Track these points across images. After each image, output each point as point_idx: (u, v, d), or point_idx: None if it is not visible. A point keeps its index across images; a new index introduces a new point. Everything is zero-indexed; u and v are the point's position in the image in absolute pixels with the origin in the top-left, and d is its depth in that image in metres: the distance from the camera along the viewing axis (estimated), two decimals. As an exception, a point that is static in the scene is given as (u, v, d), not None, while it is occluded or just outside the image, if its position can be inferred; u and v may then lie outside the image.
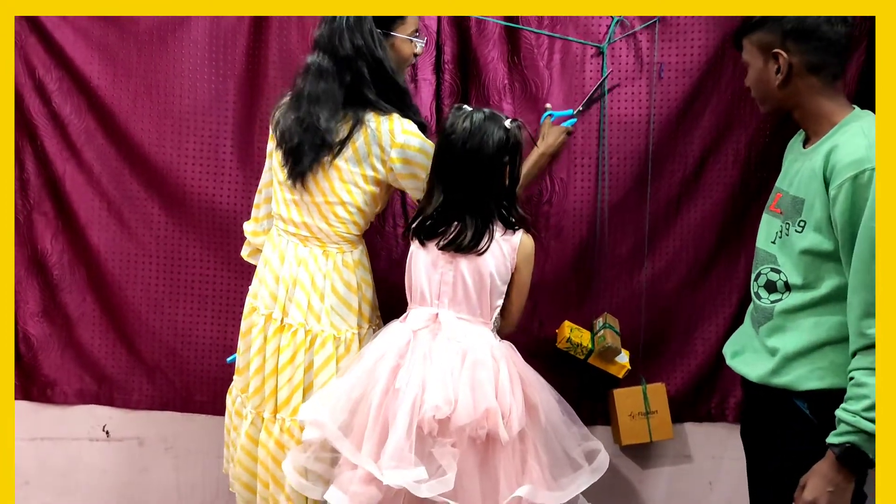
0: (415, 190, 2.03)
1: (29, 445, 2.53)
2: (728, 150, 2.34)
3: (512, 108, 2.34)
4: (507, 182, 1.91)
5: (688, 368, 2.43)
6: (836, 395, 1.60)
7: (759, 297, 1.78)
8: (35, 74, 2.39)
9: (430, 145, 2.00)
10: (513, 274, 1.95)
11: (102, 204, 2.44)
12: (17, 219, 2.45)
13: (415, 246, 1.98)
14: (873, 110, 1.70)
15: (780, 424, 1.74)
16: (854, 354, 1.57)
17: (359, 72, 1.95)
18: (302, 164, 1.98)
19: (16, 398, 2.50)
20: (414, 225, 1.95)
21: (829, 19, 1.67)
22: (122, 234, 2.44)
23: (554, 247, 2.36)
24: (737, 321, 2.35)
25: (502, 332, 2.01)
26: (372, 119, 1.98)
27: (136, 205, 2.44)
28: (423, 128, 2.05)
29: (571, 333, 2.30)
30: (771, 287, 1.75)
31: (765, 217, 1.84)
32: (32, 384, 2.51)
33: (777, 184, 1.85)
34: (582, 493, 1.93)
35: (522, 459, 1.85)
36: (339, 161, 1.98)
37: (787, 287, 1.71)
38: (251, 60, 2.37)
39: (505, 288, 1.96)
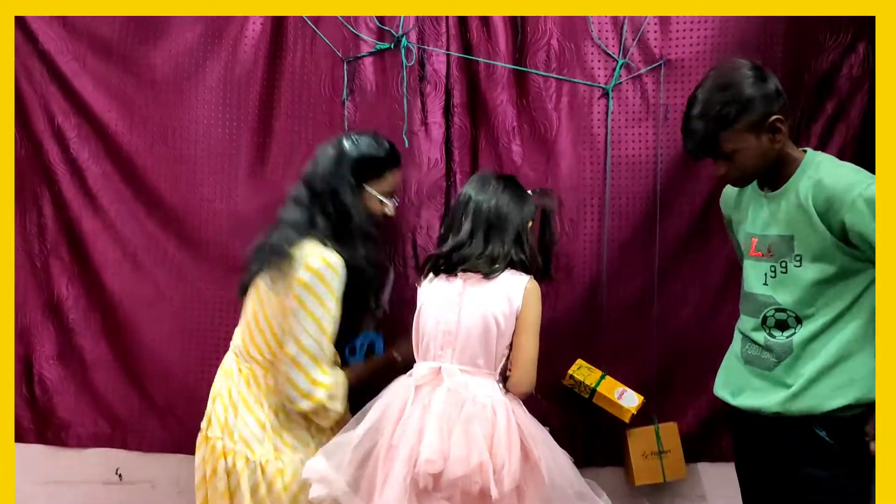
0: (296, 330, 1.93)
1: (43, 489, 2.53)
2: (735, 189, 2.36)
3: (521, 150, 2.38)
4: (527, 239, 1.99)
5: (700, 407, 2.42)
6: (856, 413, 1.69)
7: (773, 337, 1.80)
8: (54, 121, 2.45)
9: (331, 296, 1.93)
10: (517, 318, 1.91)
11: (118, 248, 2.47)
12: (34, 264, 2.50)
13: (425, 288, 1.99)
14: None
15: (794, 452, 1.76)
16: None
17: (325, 209, 2.01)
18: (249, 273, 2.05)
19: (30, 441, 2.52)
20: (436, 256, 1.98)
21: (765, 73, 1.76)
22: (137, 278, 2.47)
23: (564, 286, 2.37)
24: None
25: (517, 391, 1.91)
26: (306, 244, 1.97)
27: (152, 249, 2.47)
28: (361, 273, 2.01)
29: (577, 371, 2.30)
30: (783, 325, 1.79)
31: (747, 263, 1.88)
32: (47, 427, 2.52)
33: (746, 230, 1.89)
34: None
35: None
36: (263, 280, 2.02)
37: (798, 320, 1.76)
38: (264, 107, 2.42)
39: (510, 333, 1.91)
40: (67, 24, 2.43)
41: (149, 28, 2.43)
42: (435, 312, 1.94)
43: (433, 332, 1.93)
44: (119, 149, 2.44)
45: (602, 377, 2.31)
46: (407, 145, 2.34)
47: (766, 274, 1.82)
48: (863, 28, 2.25)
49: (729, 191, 2.01)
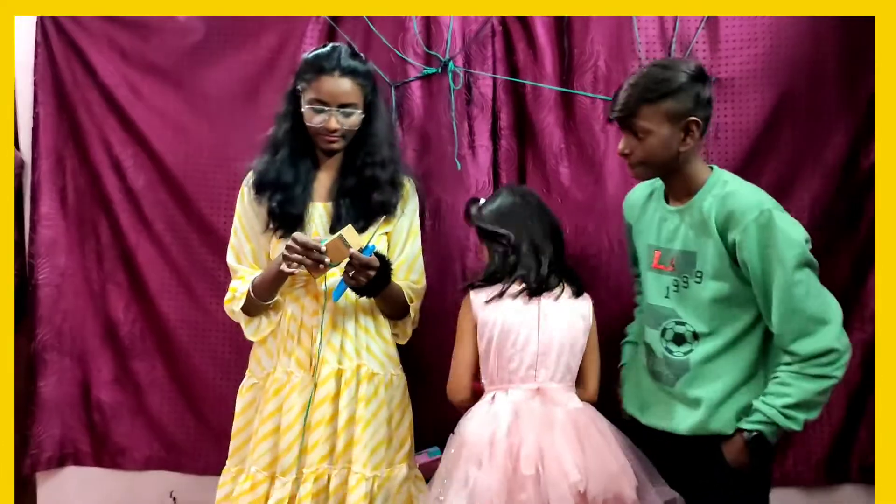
0: None
1: (99, 512, 2.58)
2: (790, 208, 2.28)
3: (568, 172, 2.37)
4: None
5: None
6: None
7: (670, 352, 1.84)
8: (112, 152, 2.51)
9: (237, 212, 2.14)
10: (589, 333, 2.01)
11: (173, 274, 2.53)
12: (91, 289, 2.57)
13: (496, 310, 1.95)
14: None
15: (711, 467, 1.81)
16: (783, 364, 1.74)
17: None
18: None
19: (88, 464, 2.58)
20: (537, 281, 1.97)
21: (706, 80, 1.80)
22: (191, 303, 2.52)
23: (613, 307, 2.34)
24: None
25: (592, 401, 2.00)
26: None
27: (205, 274, 2.51)
28: (260, 187, 2.08)
29: None
30: (680, 339, 1.83)
31: (650, 275, 1.90)
32: (104, 451, 2.57)
33: (648, 242, 1.91)
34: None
35: None
36: None
37: (696, 336, 1.81)
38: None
39: (584, 349, 2.00)
40: (125, 56, 2.50)
41: (203, 58, 2.49)
42: (523, 333, 1.93)
43: (522, 354, 1.92)
44: (174, 177, 2.50)
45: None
46: (459, 168, 2.36)
47: (668, 287, 1.85)
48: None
49: (634, 198, 2.02)
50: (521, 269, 1.97)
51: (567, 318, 1.96)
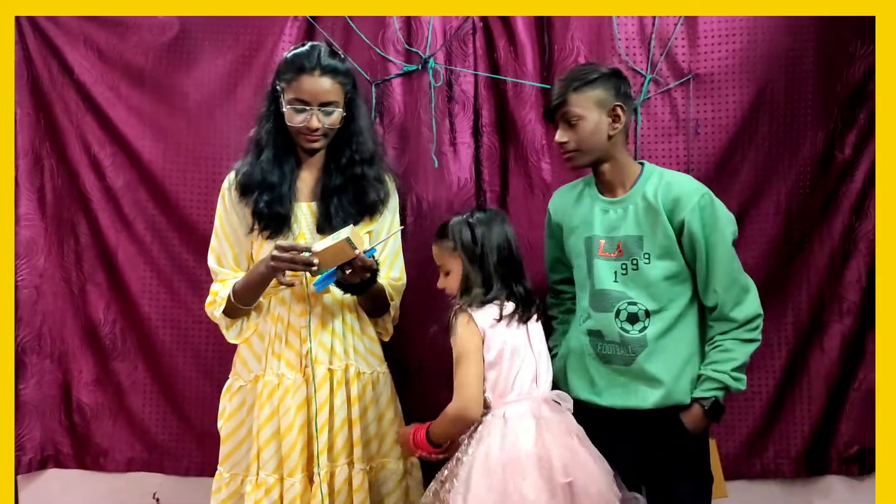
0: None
1: (81, 514, 2.56)
2: (769, 202, 2.34)
3: (550, 168, 2.38)
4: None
5: (738, 424, 2.39)
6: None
7: (626, 331, 1.93)
8: (90, 151, 2.49)
9: (218, 215, 2.11)
10: None
11: (153, 274, 2.51)
12: (71, 290, 2.54)
13: (500, 330, 1.90)
14: None
15: (668, 437, 1.91)
16: (719, 334, 1.90)
17: None
18: None
19: (69, 467, 2.55)
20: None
21: (625, 79, 1.97)
22: (172, 303, 2.50)
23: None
24: (787, 372, 2.37)
25: None
26: None
27: (186, 274, 2.50)
28: (246, 188, 2.04)
29: None
30: (633, 318, 1.93)
31: (597, 263, 1.97)
32: (86, 453, 2.54)
33: (587, 234, 1.98)
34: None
35: None
36: None
37: (647, 314, 1.92)
38: (295, 130, 2.44)
39: None
40: (102, 55, 2.48)
41: (180, 56, 2.47)
42: (522, 349, 1.91)
43: (525, 367, 1.90)
44: (153, 176, 2.48)
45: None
46: (437, 165, 2.35)
47: (616, 272, 1.94)
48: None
49: (563, 200, 2.09)
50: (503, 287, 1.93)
51: (540, 335, 1.99)
